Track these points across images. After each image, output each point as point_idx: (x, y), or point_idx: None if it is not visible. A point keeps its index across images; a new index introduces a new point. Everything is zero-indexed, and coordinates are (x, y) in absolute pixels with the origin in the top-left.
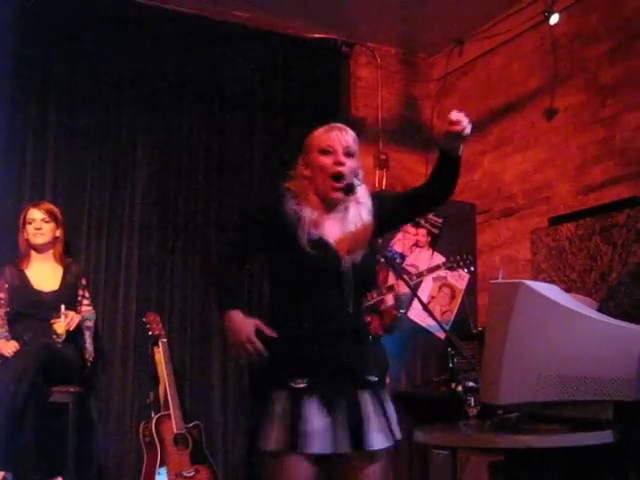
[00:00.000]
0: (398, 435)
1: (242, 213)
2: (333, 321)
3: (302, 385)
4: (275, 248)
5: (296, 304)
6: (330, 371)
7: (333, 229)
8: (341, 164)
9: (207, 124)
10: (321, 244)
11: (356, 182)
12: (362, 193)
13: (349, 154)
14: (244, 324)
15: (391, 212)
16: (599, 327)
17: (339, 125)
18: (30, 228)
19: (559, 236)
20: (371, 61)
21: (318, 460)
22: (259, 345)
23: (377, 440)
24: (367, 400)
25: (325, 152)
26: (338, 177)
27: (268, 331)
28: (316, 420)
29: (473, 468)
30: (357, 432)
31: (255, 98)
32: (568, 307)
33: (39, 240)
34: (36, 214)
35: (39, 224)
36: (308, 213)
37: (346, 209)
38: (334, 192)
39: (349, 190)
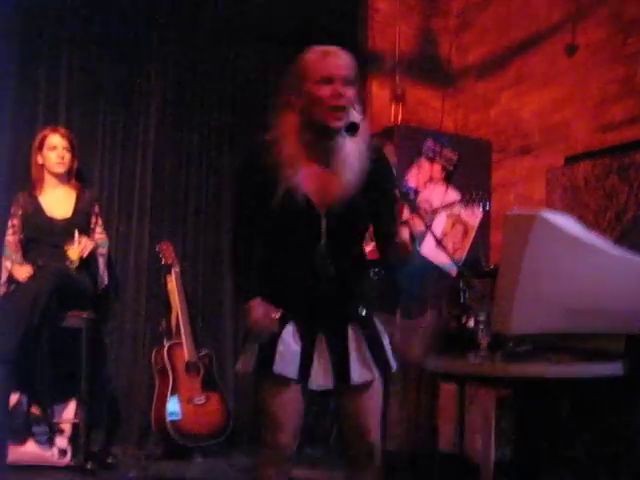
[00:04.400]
0: (393, 366)
1: (233, 194)
2: (313, 270)
3: (279, 315)
4: (259, 204)
5: (276, 256)
6: (308, 305)
7: (316, 175)
8: (340, 95)
9: (220, 58)
10: (299, 197)
11: (357, 117)
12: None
13: (348, 83)
14: (264, 316)
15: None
16: (614, 260)
17: (334, 49)
18: (52, 155)
19: (575, 175)
20: None
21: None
22: (275, 329)
23: (358, 374)
24: (352, 334)
25: (322, 82)
26: (337, 108)
27: (277, 315)
28: (286, 345)
29: (481, 403)
30: (340, 366)
31: (270, 30)
32: (583, 239)
33: (60, 169)
34: (58, 141)
35: (62, 152)
36: (288, 163)
37: (335, 147)
38: (334, 120)
39: (352, 129)
